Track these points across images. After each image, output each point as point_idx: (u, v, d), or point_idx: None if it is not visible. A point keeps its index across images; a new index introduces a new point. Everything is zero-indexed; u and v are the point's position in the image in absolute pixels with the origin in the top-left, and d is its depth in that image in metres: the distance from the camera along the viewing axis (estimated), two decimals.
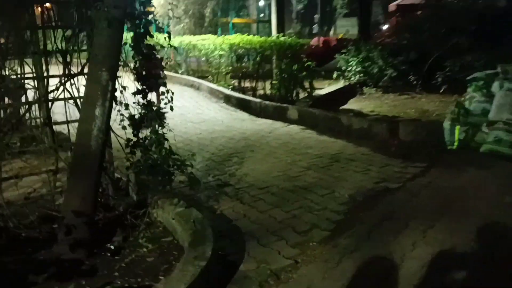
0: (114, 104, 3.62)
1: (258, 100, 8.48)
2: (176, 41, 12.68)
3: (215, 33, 14.47)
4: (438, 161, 5.27)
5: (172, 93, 3.84)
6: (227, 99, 9.38)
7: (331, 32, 34.85)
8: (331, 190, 4.46)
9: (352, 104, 9.79)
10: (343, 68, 11.39)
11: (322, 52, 15.71)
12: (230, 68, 10.31)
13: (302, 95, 9.06)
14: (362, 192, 4.41)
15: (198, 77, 11.75)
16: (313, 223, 3.75)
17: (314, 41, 20.60)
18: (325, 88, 10.59)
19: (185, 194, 4.32)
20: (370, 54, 10.75)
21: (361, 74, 10.94)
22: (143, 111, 3.67)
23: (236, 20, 18.77)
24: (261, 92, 9.76)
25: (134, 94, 3.65)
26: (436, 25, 10.27)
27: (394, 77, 10.40)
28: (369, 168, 5.16)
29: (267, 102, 8.23)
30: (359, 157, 5.59)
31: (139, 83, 3.69)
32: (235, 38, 9.87)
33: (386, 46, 11.08)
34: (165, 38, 3.94)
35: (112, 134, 3.69)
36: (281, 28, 11.71)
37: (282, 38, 9.19)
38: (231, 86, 10.06)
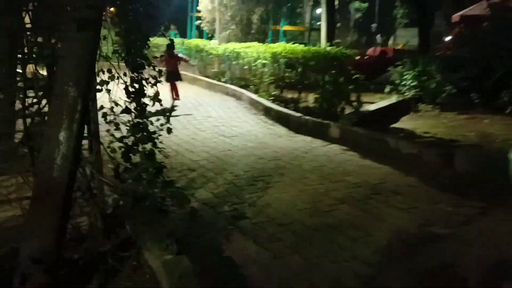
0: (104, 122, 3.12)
1: (298, 114, 7.80)
2: (220, 48, 12.27)
3: (263, 40, 13.97)
4: (500, 200, 4.37)
5: (170, 113, 3.20)
6: (267, 112, 8.76)
7: (391, 42, 33.51)
8: (365, 232, 3.72)
9: (405, 123, 8.85)
10: (397, 82, 10.46)
11: (376, 63, 14.76)
12: (273, 78, 9.70)
13: (348, 110, 8.27)
14: (403, 237, 3.64)
15: (242, 86, 11.23)
16: (335, 277, 3.04)
17: (370, 51, 19.61)
18: (375, 103, 9.72)
19: (189, 227, 3.72)
20: (427, 68, 9.76)
21: (417, 89, 9.96)
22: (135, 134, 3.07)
23: (287, 27, 18.18)
24: (305, 104, 9.06)
25: (123, 112, 3.08)
26: (503, 38, 9.15)
27: (453, 94, 9.34)
28: (415, 205, 4.36)
29: (307, 117, 7.53)
30: (405, 190, 4.78)
31: (129, 100, 3.13)
32: (278, 47, 9.26)
33: (445, 59, 10.04)
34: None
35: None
36: (330, 37, 10.98)
37: (328, 48, 8.47)
38: (272, 98, 9.44)
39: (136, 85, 3.18)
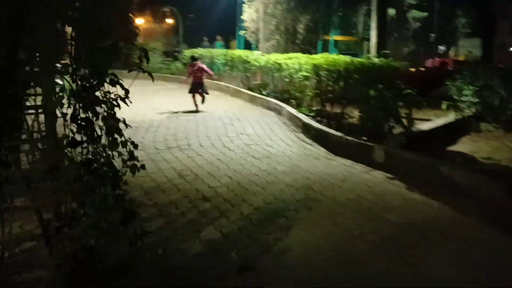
0: None
1: (338, 134, 6.98)
2: (263, 59, 11.66)
3: (309, 51, 13.22)
4: None
5: None
6: (306, 129, 8.00)
7: (452, 53, 31.67)
8: None
9: (464, 145, 7.82)
10: (455, 97, 9.37)
11: (434, 75, 13.61)
12: (315, 91, 8.94)
13: (397, 130, 7.36)
14: None
15: (283, 100, 10.54)
16: None
17: (428, 63, 18.34)
18: (429, 121, 8.72)
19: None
20: (489, 82, 8.64)
21: (478, 106, 8.86)
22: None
23: (338, 37, 17.32)
24: (349, 120, 8.22)
25: (70, 146, 2.47)
26: None
27: None
28: (473, 256, 3.48)
29: (348, 138, 6.70)
30: (460, 234, 3.89)
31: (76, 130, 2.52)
32: (320, 58, 8.50)
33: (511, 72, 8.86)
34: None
35: None
36: (381, 47, 10.07)
37: (376, 60, 7.62)
38: (313, 113, 8.67)
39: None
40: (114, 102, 2.73)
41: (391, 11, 20.98)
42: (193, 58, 11.01)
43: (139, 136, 7.38)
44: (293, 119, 8.81)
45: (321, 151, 6.92)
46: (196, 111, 10.16)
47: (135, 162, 2.94)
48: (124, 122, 2.88)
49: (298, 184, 5.18)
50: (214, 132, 7.98)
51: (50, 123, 2.61)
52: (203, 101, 10.50)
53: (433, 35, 29.17)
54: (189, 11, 30.16)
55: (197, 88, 10.47)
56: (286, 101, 10.40)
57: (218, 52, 14.67)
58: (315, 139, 7.52)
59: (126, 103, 2.86)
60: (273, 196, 4.78)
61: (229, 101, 12.30)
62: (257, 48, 15.05)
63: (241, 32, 15.56)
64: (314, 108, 8.90)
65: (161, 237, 3.71)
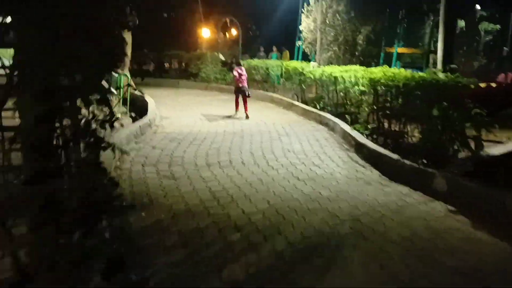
0: None
1: (394, 156, 6.29)
2: (318, 71, 11.11)
3: (368, 64, 12.50)
4: None
5: None
6: (359, 149, 7.36)
7: None
8: None
9: None
10: None
11: (505, 92, 12.40)
12: (372, 107, 8.27)
13: (463, 154, 6.55)
14: None
15: (338, 115, 9.93)
16: None
17: (501, 78, 16.91)
18: (500, 144, 7.77)
19: None
20: None
21: None
22: None
23: (402, 49, 16.40)
24: (408, 140, 7.47)
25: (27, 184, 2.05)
26: None
27: None
28: None
29: (406, 161, 6.00)
30: None
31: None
32: (377, 72, 7.84)
33: None
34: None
35: None
36: (448, 61, 9.22)
37: (441, 75, 6.85)
38: (368, 131, 8.01)
39: None
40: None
41: (461, 23, 19.70)
42: (238, 64, 11.70)
43: (180, 150, 7.09)
44: (346, 136, 8.19)
45: (374, 174, 6.27)
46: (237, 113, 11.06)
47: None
48: (113, 148, 2.39)
49: (343, 214, 4.60)
50: (259, 147, 7.54)
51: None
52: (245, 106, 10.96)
53: (506, 49, 27.18)
54: (252, 21, 30.17)
55: (241, 92, 11.02)
56: (341, 116, 9.79)
57: (273, 63, 14.29)
58: (368, 160, 6.87)
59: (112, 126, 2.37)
60: (313, 227, 4.23)
61: (281, 114, 11.84)
62: (314, 59, 14.54)
63: (298, 43, 15.09)
64: (370, 127, 8.22)
65: (176, 272, 3.29)
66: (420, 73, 7.06)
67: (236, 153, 7.06)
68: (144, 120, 8.60)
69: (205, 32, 25.96)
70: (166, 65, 21.04)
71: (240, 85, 10.90)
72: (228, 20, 24.47)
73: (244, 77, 11.02)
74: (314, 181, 5.75)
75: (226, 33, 33.26)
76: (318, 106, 10.98)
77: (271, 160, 6.72)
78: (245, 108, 10.84)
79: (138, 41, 21.37)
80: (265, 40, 28.80)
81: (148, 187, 5.18)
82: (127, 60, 13.68)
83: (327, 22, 12.91)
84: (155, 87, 17.56)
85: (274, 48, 17.68)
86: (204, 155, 6.87)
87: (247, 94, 10.82)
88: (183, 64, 18.42)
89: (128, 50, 13.83)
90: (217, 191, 5.17)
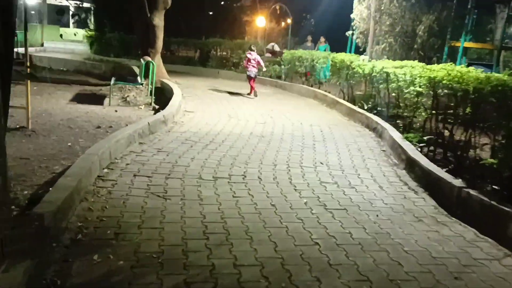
0: None
1: (456, 182, 4.74)
2: (368, 66, 9.54)
3: (429, 59, 10.76)
4: None
5: None
6: (410, 166, 5.85)
7: None
8: None
9: None
10: None
11: None
12: (430, 113, 6.69)
13: None
14: None
15: (389, 118, 8.39)
16: None
17: None
18: None
19: None
20: None
21: None
22: None
23: (469, 44, 14.34)
24: (476, 155, 5.86)
25: None
26: None
27: None
28: None
29: (472, 192, 4.45)
30: None
31: None
32: (439, 70, 6.24)
33: None
34: None
35: None
36: None
37: None
38: (423, 143, 6.45)
39: None
40: None
41: None
42: (250, 49, 12.73)
43: (189, 156, 5.86)
44: (395, 147, 6.67)
45: (428, 205, 4.78)
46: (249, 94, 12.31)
47: None
48: None
49: (377, 275, 3.20)
50: (285, 158, 6.18)
51: None
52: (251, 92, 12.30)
53: None
54: (305, 10, 28.48)
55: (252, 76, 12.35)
56: (391, 120, 8.25)
57: (320, 55, 12.79)
58: (421, 182, 5.37)
59: None
60: None
61: (323, 113, 10.39)
62: (362, 52, 12.84)
63: (348, 33, 13.44)
64: (426, 138, 6.64)
65: None
66: (496, 74, 5.40)
67: (255, 164, 5.75)
68: (157, 116, 7.44)
69: (252, 19, 24.71)
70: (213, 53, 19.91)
71: (248, 69, 12.31)
72: (278, 7, 23.02)
73: (254, 62, 12.24)
74: (345, 213, 4.34)
75: (276, 21, 31.79)
76: (365, 106, 9.44)
77: (296, 177, 5.35)
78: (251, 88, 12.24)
79: (179, 26, 20.49)
80: (318, 30, 27.14)
81: (124, 211, 3.98)
82: (159, 45, 12.62)
83: (383, 9, 11.21)
84: (193, 76, 16.54)
85: (322, 39, 16.07)
86: (214, 164, 5.60)
87: (251, 76, 12.22)
88: (224, 53, 17.20)
89: (160, 34, 12.80)
90: (211, 222, 3.89)
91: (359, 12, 11.89)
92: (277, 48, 26.02)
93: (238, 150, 6.40)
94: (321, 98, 11.92)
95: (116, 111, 8.88)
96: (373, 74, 9.01)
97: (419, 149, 6.26)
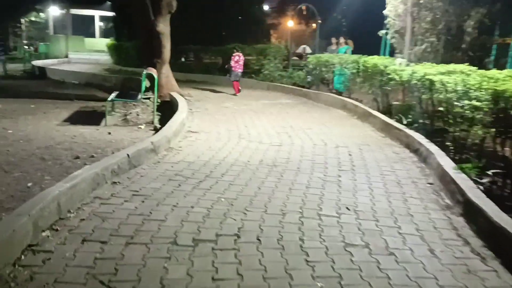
0: None
1: None
2: (406, 71, 7.92)
3: (480, 60, 9.02)
4: None
5: None
6: (470, 213, 4.25)
7: None
8: None
9: None
10: None
11: None
12: (493, 132, 5.08)
13: None
14: None
15: (435, 136, 6.78)
16: None
17: None
18: None
19: None
20: None
21: None
22: None
23: None
24: None
25: None
26: None
27: None
28: None
29: None
30: None
31: None
32: (508, 80, 4.63)
33: None
34: None
35: None
36: None
37: None
38: (488, 178, 4.84)
39: None
40: None
41: None
42: (236, 50, 13.52)
43: (170, 203, 4.44)
44: (447, 181, 5.06)
45: (503, 282, 3.20)
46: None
47: None
48: None
49: None
50: (299, 199, 4.68)
51: None
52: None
53: None
54: (335, 10, 26.81)
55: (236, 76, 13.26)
56: (436, 136, 6.63)
57: (348, 59, 11.21)
58: (489, 242, 3.76)
59: None
60: None
61: (352, 128, 8.82)
62: (400, 54, 11.06)
63: (381, 32, 11.73)
64: (490, 172, 5.01)
65: None
66: None
67: (257, 214, 4.27)
68: (144, 143, 6.05)
69: (278, 22, 23.28)
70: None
71: (237, 70, 13.17)
72: (304, 8, 21.48)
73: (240, 64, 13.16)
74: None
75: (305, 22, 30.20)
76: (404, 121, 7.82)
77: (311, 236, 3.84)
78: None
79: (198, 32, 19.25)
80: (349, 30, 25.44)
81: None
82: (166, 54, 11.32)
83: (422, 2, 9.47)
84: (211, 85, 15.25)
85: (342, 40, 14.21)
86: (201, 216, 4.15)
87: (231, 78, 13.20)
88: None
89: (166, 41, 11.49)
90: None
91: (394, 8, 10.20)
92: (308, 50, 24.47)
93: (239, 189, 4.94)
94: (351, 109, 10.34)
95: (109, 133, 7.64)
96: (413, 81, 7.39)
97: (481, 188, 4.64)
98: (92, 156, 5.98)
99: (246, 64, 15.79)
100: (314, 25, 26.40)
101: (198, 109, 10.19)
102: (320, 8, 20.72)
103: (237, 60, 13.13)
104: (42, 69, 18.35)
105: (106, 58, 26.69)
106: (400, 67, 8.64)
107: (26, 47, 27.57)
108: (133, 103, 10.61)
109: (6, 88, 13.95)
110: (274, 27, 26.71)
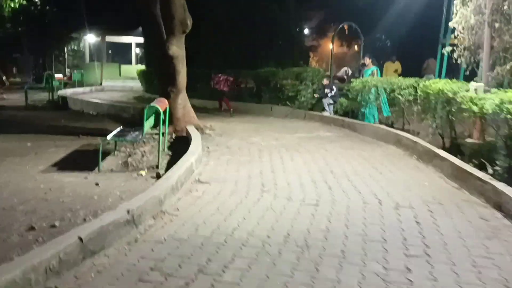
0: None
1: None
2: (488, 99, 5.82)
3: None
4: None
5: None
6: None
7: None
8: None
9: None
10: None
11: None
12: None
13: None
14: None
15: None
16: None
17: None
18: None
19: None
20: None
21: None
22: None
23: None
24: None
25: None
26: None
27: None
28: None
29: None
30: None
31: None
32: None
33: None
34: None
35: None
36: None
37: None
38: None
39: None
40: None
41: None
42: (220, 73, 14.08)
43: None
44: None
45: None
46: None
47: None
48: None
49: None
50: None
51: None
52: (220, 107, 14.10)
53: None
54: (380, 28, 24.64)
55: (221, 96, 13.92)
56: None
57: (402, 84, 9.14)
58: None
59: None
60: None
61: (413, 173, 6.73)
62: (468, 77, 8.77)
63: (446, 50, 9.51)
64: None
65: None
66: None
67: None
68: (117, 213, 4.21)
69: (318, 43, 21.46)
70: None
71: (225, 88, 13.85)
72: (346, 27, 19.53)
73: (222, 82, 13.76)
74: None
75: (347, 43, 28.19)
76: (490, 168, 5.68)
77: None
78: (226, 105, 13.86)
79: (229, 54, 17.70)
80: (397, 49, 23.27)
81: None
82: (181, 82, 9.59)
83: (506, 9, 7.30)
84: (240, 114, 13.49)
85: (367, 60, 11.89)
86: None
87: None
88: (280, 84, 13.95)
89: (180, 66, 9.72)
90: None
91: (463, 18, 8.07)
92: (350, 72, 22.50)
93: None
94: (408, 145, 8.23)
95: (97, 184, 5.97)
96: (502, 114, 5.28)
97: None
98: (53, 226, 4.28)
99: (280, 90, 14.04)
100: (357, 46, 24.37)
101: (218, 147, 8.40)
102: (363, 28, 18.75)
103: (226, 79, 13.83)
104: (64, 99, 17.29)
105: (140, 86, 25.71)
106: (475, 93, 6.53)
107: (58, 75, 26.98)
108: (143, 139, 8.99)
109: (15, 121, 12.76)
110: (313, 49, 24.92)
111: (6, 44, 30.41)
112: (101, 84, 31.31)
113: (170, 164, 7.07)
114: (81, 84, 28.80)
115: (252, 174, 6.48)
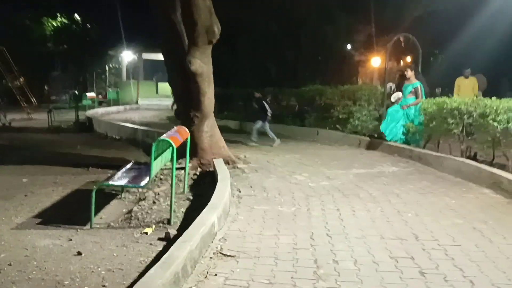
0: None
1: None
2: None
3: None
4: None
5: None
6: None
7: None
8: None
9: None
10: None
11: None
12: None
13: None
14: None
15: None
16: None
17: None
18: None
19: None
20: None
21: None
22: None
23: None
24: None
25: None
26: None
27: None
28: None
29: None
30: None
31: None
32: None
33: None
34: None
35: None
36: None
37: None
38: None
39: None
40: None
41: None
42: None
43: None
44: None
45: None
46: None
47: None
48: None
49: None
50: None
51: None
52: None
53: None
54: (439, 39, 21.95)
55: None
56: None
57: (499, 107, 6.85)
58: None
59: None
60: None
61: (466, 203, 4.55)
62: None
63: None
64: None
65: None
66: None
67: None
68: None
69: (368, 58, 19.35)
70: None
71: None
72: (402, 39, 17.28)
73: None
74: None
75: (396, 57, 25.72)
76: None
77: None
78: None
79: (268, 72, 15.91)
80: (453, 62, 20.67)
81: None
82: (207, 104, 7.65)
83: None
84: (282, 140, 11.52)
85: (409, 72, 9.35)
86: None
87: None
88: (326, 104, 11.93)
89: (206, 86, 7.64)
90: None
91: None
92: (394, 88, 20.20)
93: None
94: (509, 189, 5.99)
95: (79, 253, 4.21)
96: None
97: None
98: None
99: (327, 111, 12.03)
100: (410, 59, 21.94)
101: (251, 190, 6.45)
102: (420, 40, 16.45)
103: None
104: (90, 120, 16.00)
105: None
106: None
107: (90, 93, 26.08)
108: (160, 175, 7.22)
109: (24, 146, 11.39)
110: (361, 64, 22.75)
111: (43, 63, 30.06)
112: (136, 102, 30.36)
113: (189, 214, 5.27)
114: (116, 102, 27.89)
115: (299, 241, 4.47)
